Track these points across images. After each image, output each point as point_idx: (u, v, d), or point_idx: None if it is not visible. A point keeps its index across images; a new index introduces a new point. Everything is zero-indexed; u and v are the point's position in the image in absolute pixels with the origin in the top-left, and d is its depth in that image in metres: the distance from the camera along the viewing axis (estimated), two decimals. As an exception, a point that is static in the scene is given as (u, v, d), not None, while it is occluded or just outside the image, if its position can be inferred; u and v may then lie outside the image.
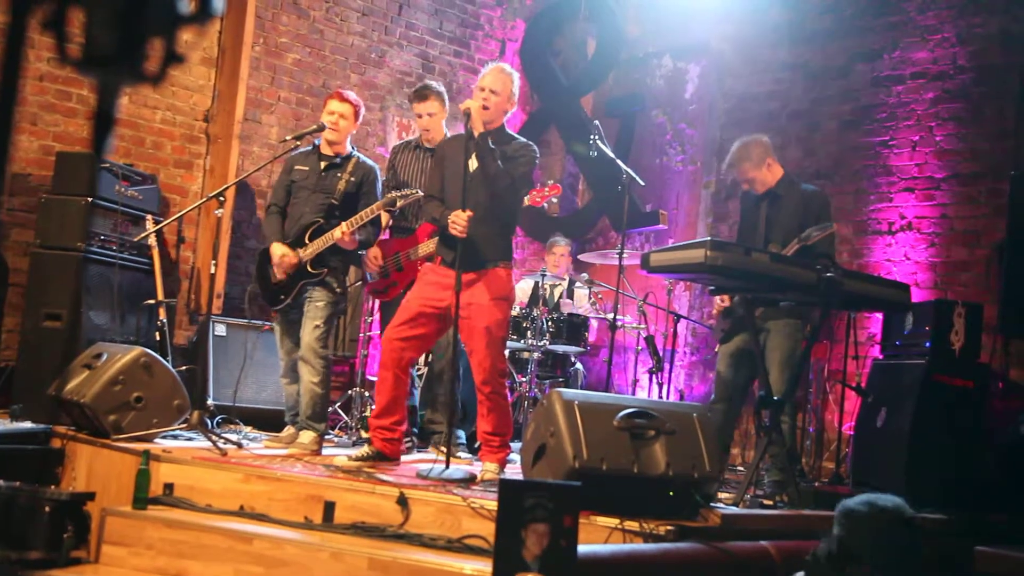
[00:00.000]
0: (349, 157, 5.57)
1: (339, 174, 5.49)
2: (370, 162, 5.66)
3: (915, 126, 6.95)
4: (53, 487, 4.49)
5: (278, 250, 5.42)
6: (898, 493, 5.02)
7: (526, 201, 5.14)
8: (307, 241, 5.40)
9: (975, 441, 5.43)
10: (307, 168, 5.53)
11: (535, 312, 6.65)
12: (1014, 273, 5.75)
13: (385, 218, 5.88)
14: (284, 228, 5.55)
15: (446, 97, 6.10)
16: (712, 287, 5.18)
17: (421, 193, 5.41)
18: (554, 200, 5.50)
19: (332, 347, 5.82)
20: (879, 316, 6.43)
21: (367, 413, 6.33)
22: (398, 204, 5.46)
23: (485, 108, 4.71)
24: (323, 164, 5.51)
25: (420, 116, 5.99)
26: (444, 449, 4.87)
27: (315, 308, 5.38)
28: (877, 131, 7.15)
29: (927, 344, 5.52)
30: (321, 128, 5.45)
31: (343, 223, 5.30)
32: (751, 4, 7.98)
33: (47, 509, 4.06)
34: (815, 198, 5.34)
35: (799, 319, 5.16)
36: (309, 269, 5.39)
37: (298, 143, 5.61)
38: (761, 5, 7.93)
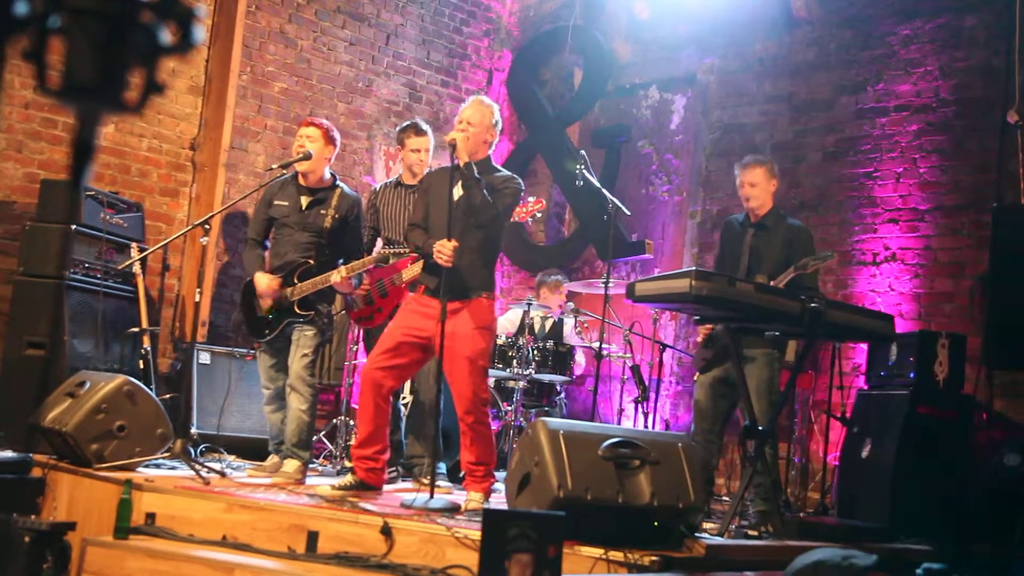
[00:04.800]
0: (332, 189, 5.53)
1: (323, 211, 5.45)
2: (353, 193, 5.65)
3: (899, 158, 7.00)
4: (33, 516, 4.45)
5: (263, 280, 5.40)
6: (882, 523, 5.04)
7: (512, 216, 5.15)
8: (295, 281, 5.38)
9: (959, 472, 5.44)
10: (287, 203, 5.48)
11: (521, 341, 6.64)
12: (997, 304, 5.79)
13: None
14: (268, 264, 5.54)
15: (432, 135, 6.09)
16: (697, 317, 5.19)
17: (407, 250, 5.42)
18: (538, 215, 5.50)
19: (317, 375, 5.80)
20: (864, 347, 6.45)
21: (352, 442, 6.30)
22: (391, 261, 5.45)
23: (465, 139, 4.73)
24: (304, 200, 5.46)
25: (417, 151, 5.95)
26: (426, 481, 4.84)
27: (304, 338, 5.37)
28: (861, 163, 7.19)
29: (911, 375, 5.54)
30: (307, 157, 5.42)
31: (342, 268, 5.28)
32: (736, 37, 8.05)
33: (27, 539, 4.02)
34: (800, 233, 5.40)
35: (775, 348, 5.18)
36: (296, 310, 5.37)
37: (284, 171, 5.59)
38: (746, 38, 8.00)
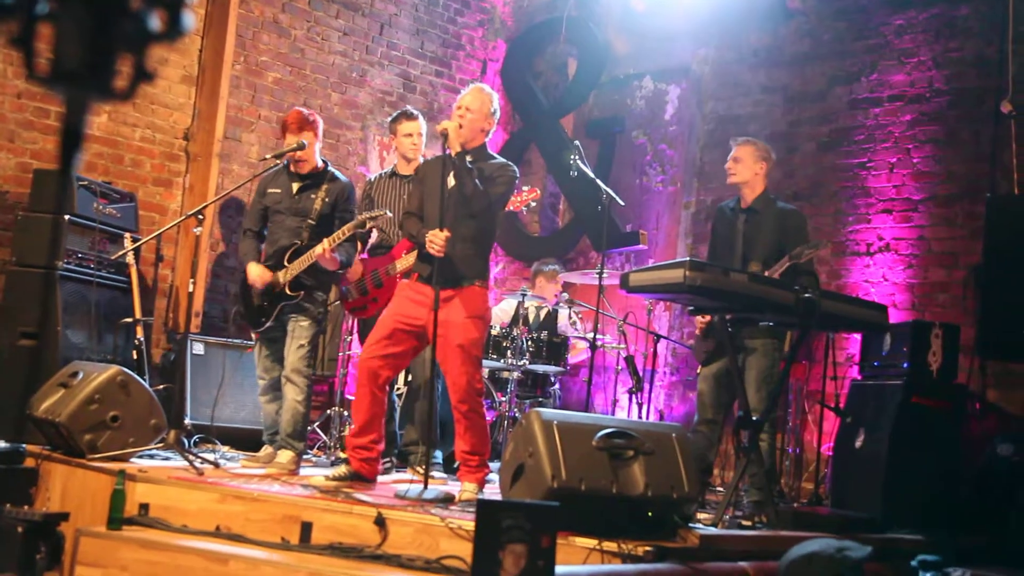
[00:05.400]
0: (323, 174, 5.54)
1: (313, 195, 5.47)
2: (344, 178, 5.65)
3: (892, 148, 7.01)
4: (26, 507, 4.43)
5: (254, 270, 5.41)
6: (876, 513, 5.06)
7: (507, 206, 5.15)
8: (286, 263, 5.38)
9: (952, 462, 5.46)
10: (279, 191, 5.50)
11: (515, 332, 6.64)
12: (991, 294, 5.80)
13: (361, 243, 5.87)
14: (262, 251, 5.54)
15: (424, 121, 6.10)
16: (691, 307, 5.20)
17: (390, 214, 5.42)
18: (533, 204, 5.50)
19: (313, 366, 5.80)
20: (857, 337, 6.46)
21: (346, 432, 6.30)
22: (368, 225, 5.45)
23: (460, 126, 4.73)
24: (296, 185, 5.49)
25: (409, 135, 5.96)
26: (420, 470, 4.84)
27: (300, 328, 5.37)
28: (855, 153, 7.20)
29: (905, 365, 5.55)
30: (301, 147, 5.42)
31: (324, 240, 5.28)
32: (730, 27, 8.04)
33: (20, 529, 4.01)
34: (792, 216, 5.39)
35: (776, 338, 5.18)
36: (288, 292, 5.37)
37: (278, 161, 5.59)
38: (740, 28, 7.99)
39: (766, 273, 5.00)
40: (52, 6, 0.89)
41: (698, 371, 5.57)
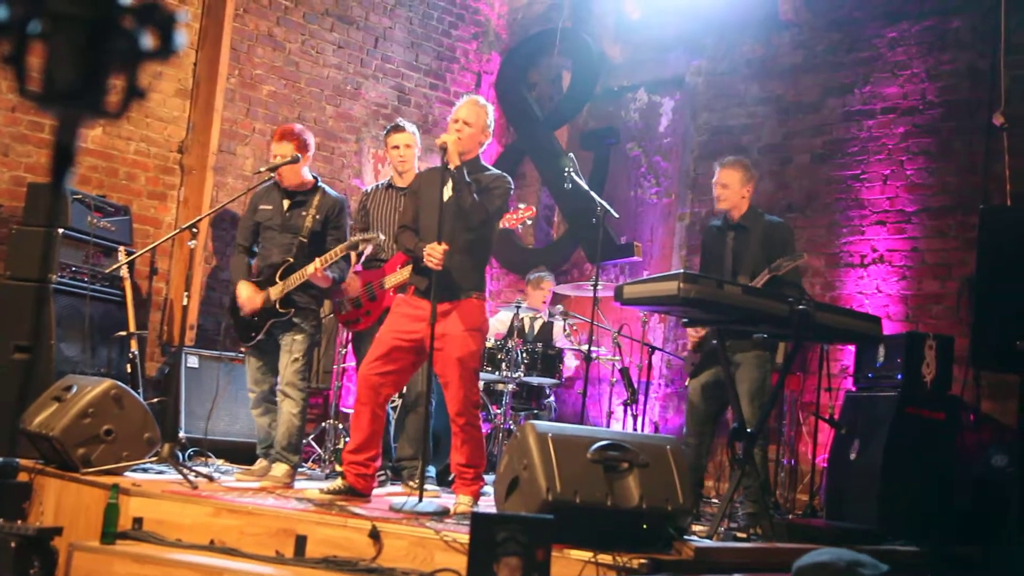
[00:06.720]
0: (314, 191, 5.54)
1: (304, 212, 5.47)
2: (335, 194, 5.65)
3: (886, 160, 7.03)
4: (19, 521, 4.41)
5: (244, 290, 5.42)
6: (871, 525, 5.05)
7: (502, 224, 5.16)
8: (277, 280, 5.38)
9: (947, 473, 5.46)
10: (271, 207, 5.51)
11: (510, 344, 6.64)
12: (984, 305, 5.80)
13: (354, 256, 5.87)
14: (253, 267, 5.55)
15: (418, 134, 6.11)
16: (685, 319, 5.20)
17: (383, 237, 5.42)
18: (528, 222, 5.52)
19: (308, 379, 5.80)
20: (851, 348, 6.47)
21: (340, 446, 6.29)
22: (360, 248, 5.46)
23: (458, 139, 4.73)
24: (287, 202, 5.49)
25: (396, 147, 5.97)
26: (414, 484, 4.84)
27: (293, 342, 5.37)
28: (849, 165, 7.21)
29: (899, 376, 5.56)
30: (295, 160, 5.42)
31: (316, 259, 5.28)
32: (724, 39, 8.07)
33: (12, 544, 3.99)
34: (779, 229, 5.41)
35: (767, 351, 5.19)
36: (278, 308, 5.37)
37: (271, 175, 5.59)
38: (734, 40, 8.01)
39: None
40: (45, 25, 0.89)
41: (687, 383, 5.58)
